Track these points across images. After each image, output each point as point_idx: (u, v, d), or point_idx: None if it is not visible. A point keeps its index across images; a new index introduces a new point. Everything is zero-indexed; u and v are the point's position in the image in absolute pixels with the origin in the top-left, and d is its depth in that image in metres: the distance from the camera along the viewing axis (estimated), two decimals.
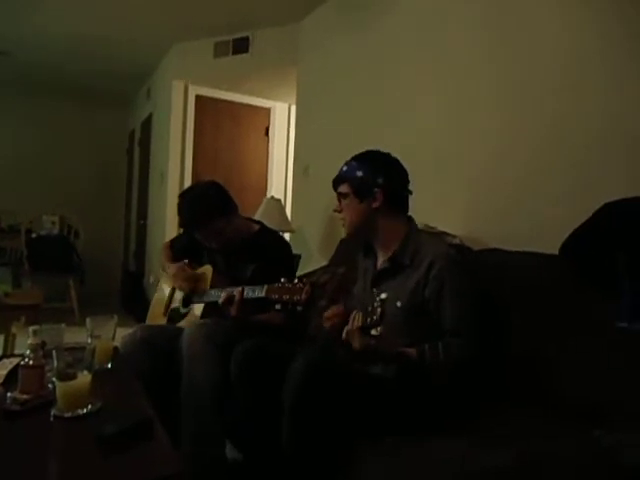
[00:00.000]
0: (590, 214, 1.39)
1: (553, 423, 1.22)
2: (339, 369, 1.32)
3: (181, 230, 2.50)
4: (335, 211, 1.57)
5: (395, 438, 1.21)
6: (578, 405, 1.25)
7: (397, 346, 1.34)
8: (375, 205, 1.47)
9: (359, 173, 1.48)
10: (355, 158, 1.53)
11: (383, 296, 1.22)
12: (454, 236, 1.93)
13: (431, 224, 2.01)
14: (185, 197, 1.96)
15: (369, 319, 1.23)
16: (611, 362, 1.26)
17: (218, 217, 1.87)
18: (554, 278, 1.47)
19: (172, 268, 1.99)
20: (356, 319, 1.28)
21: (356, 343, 1.28)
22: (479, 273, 1.57)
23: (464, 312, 1.36)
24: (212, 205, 1.88)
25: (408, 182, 1.54)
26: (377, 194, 1.46)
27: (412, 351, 1.32)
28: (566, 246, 1.40)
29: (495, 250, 1.73)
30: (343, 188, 1.52)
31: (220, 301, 1.73)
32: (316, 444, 1.25)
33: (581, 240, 1.38)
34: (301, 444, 1.26)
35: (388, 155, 1.54)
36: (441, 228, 2.00)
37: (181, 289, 1.97)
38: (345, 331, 1.31)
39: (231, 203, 1.94)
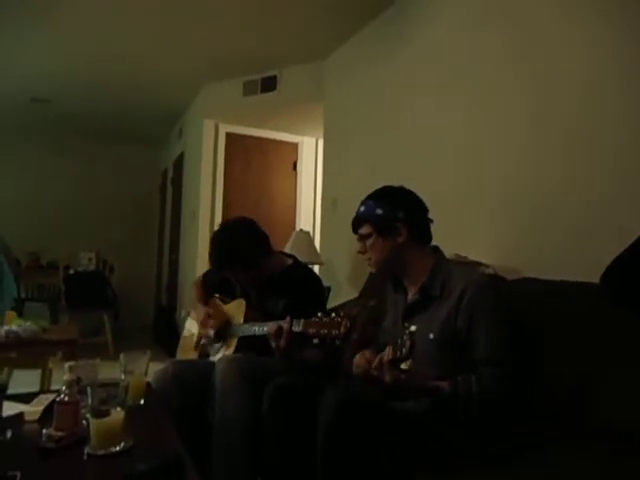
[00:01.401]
0: (626, 235, 1.34)
1: (594, 460, 1.13)
2: (370, 406, 1.28)
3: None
4: (360, 253, 1.54)
5: (429, 473, 1.16)
6: (619, 438, 1.17)
7: (428, 379, 1.30)
8: (400, 240, 1.45)
9: (379, 211, 1.46)
10: (370, 197, 1.52)
11: (412, 329, 1.20)
12: (487, 266, 1.89)
13: (462, 254, 1.98)
14: (216, 239, 1.94)
15: (398, 352, 1.21)
16: None
17: (248, 259, 1.87)
18: (593, 307, 1.41)
19: (201, 312, 2.01)
20: (386, 353, 1.26)
21: (386, 377, 1.25)
22: (515, 304, 1.52)
23: (497, 340, 1.32)
24: (241, 249, 1.86)
25: (427, 211, 1.51)
26: (400, 229, 1.44)
27: (444, 384, 1.29)
28: (608, 274, 1.34)
29: (530, 279, 1.67)
30: (365, 229, 1.49)
31: (270, 330, 1.67)
32: (348, 478, 1.21)
33: (624, 268, 1.32)
34: (334, 477, 1.22)
35: (402, 188, 1.52)
36: (472, 258, 1.96)
37: (207, 336, 1.98)
38: (374, 366, 1.28)
39: (262, 244, 1.91)
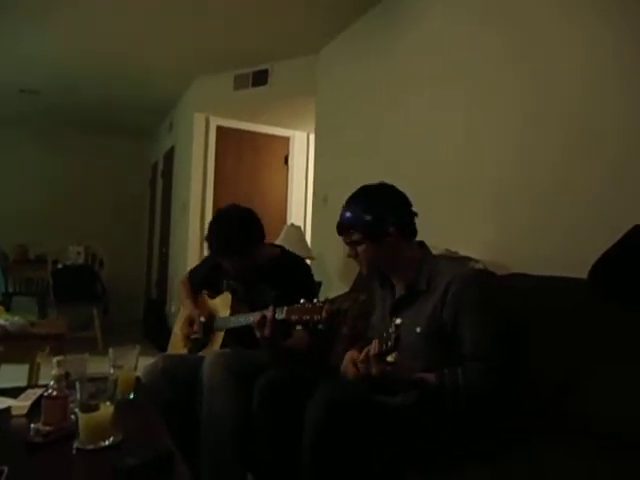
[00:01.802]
0: (619, 235, 1.35)
1: (582, 456, 1.15)
2: (358, 402, 1.29)
3: (201, 259, 2.50)
4: (350, 257, 1.52)
5: (419, 471, 1.17)
6: (606, 435, 1.18)
7: (414, 372, 1.31)
8: (390, 240, 1.44)
9: (367, 217, 1.42)
10: (355, 202, 1.48)
11: (398, 321, 1.20)
12: (477, 261, 1.90)
13: (452, 249, 1.99)
14: (218, 224, 1.90)
15: (384, 345, 1.22)
16: None
17: (251, 247, 1.85)
18: (581, 303, 1.42)
19: (186, 313, 2.00)
20: (373, 347, 1.26)
21: (373, 370, 1.25)
22: (504, 298, 1.54)
23: (483, 335, 1.33)
24: (246, 235, 1.84)
25: (411, 205, 1.50)
26: (391, 231, 1.43)
27: (431, 376, 1.30)
28: (595, 270, 1.36)
29: (520, 275, 1.69)
30: (355, 236, 1.46)
31: (254, 320, 1.67)
32: (336, 475, 1.22)
33: (611, 263, 1.34)
34: (321, 474, 1.23)
35: (383, 186, 1.50)
36: (463, 253, 1.97)
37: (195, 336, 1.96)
38: (360, 360, 1.29)
39: (262, 231, 1.91)
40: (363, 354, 1.28)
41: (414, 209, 1.50)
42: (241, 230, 1.84)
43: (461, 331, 1.33)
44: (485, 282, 1.40)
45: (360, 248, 1.47)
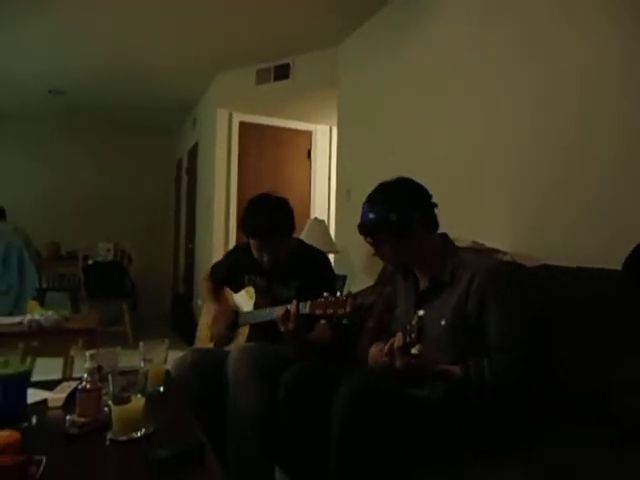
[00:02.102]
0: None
1: (610, 447, 1.12)
2: (385, 394, 1.29)
3: (223, 254, 2.51)
4: (375, 256, 1.51)
5: (444, 465, 1.17)
6: (636, 428, 1.15)
7: (439, 364, 1.30)
8: (416, 237, 1.42)
9: (392, 217, 1.39)
10: (376, 201, 1.44)
11: (420, 313, 1.20)
12: (505, 253, 1.87)
13: (479, 240, 1.95)
14: (260, 204, 1.89)
15: (408, 338, 1.21)
16: None
17: (288, 232, 1.88)
18: (614, 295, 1.38)
19: (209, 312, 2.02)
20: (397, 339, 1.26)
21: (397, 363, 1.25)
22: (534, 290, 1.51)
23: (509, 326, 1.31)
24: (287, 220, 1.87)
25: (431, 196, 1.47)
26: (416, 228, 1.41)
27: (456, 368, 1.29)
28: (630, 261, 1.32)
29: (549, 266, 1.65)
30: (381, 236, 1.43)
31: (277, 314, 1.67)
32: (363, 471, 1.22)
33: None
34: (348, 472, 1.23)
35: (402, 182, 1.47)
36: (490, 245, 1.94)
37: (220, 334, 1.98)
38: (385, 352, 1.29)
39: (294, 222, 1.92)
40: (387, 347, 1.28)
41: (433, 200, 1.47)
42: (282, 212, 1.86)
43: (486, 322, 1.32)
44: (511, 273, 1.38)
45: (386, 247, 1.45)
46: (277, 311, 1.69)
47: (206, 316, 2.11)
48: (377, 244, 1.47)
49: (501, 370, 1.26)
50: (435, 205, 1.47)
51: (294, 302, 1.65)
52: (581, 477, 1.04)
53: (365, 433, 1.22)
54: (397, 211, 1.39)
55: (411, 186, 1.46)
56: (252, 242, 1.88)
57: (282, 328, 1.67)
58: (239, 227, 4.44)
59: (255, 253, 1.91)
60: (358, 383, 1.28)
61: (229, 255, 2.27)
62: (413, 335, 1.20)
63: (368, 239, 1.48)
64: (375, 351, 1.50)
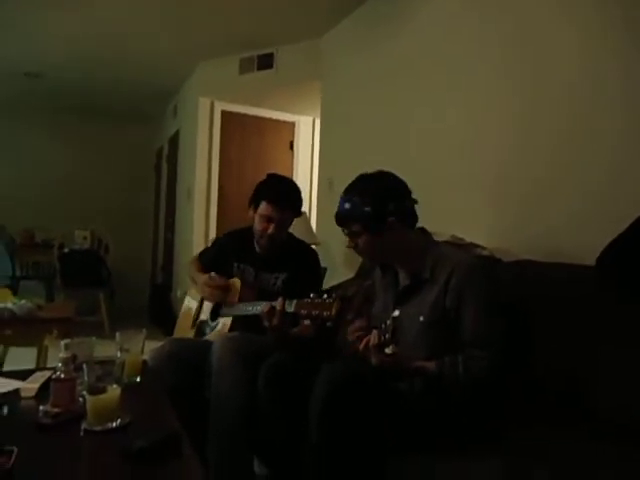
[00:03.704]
0: (621, 219, 1.34)
1: (591, 440, 1.16)
2: (364, 381, 1.30)
3: (207, 244, 2.51)
4: (350, 247, 1.50)
5: (423, 455, 1.18)
6: (613, 423, 1.19)
7: (414, 360, 1.33)
8: (392, 231, 1.42)
9: (367, 209, 1.39)
10: (353, 192, 1.44)
11: (395, 314, 1.23)
12: (483, 247, 1.89)
13: (459, 235, 1.97)
14: (285, 178, 2.04)
15: (382, 337, 1.24)
16: None
17: (298, 211, 1.96)
18: (589, 291, 1.42)
19: (202, 277, 1.98)
20: (372, 337, 1.28)
21: (373, 360, 1.29)
22: (509, 285, 1.53)
23: (485, 324, 1.33)
24: (301, 198, 1.96)
25: (411, 192, 1.47)
26: (391, 222, 1.40)
27: (431, 364, 1.31)
28: (603, 257, 1.35)
29: (527, 262, 1.68)
30: (355, 228, 1.43)
31: (263, 310, 1.67)
32: (341, 461, 1.23)
33: (619, 251, 1.33)
34: (326, 463, 1.24)
35: (382, 175, 1.46)
36: (469, 239, 1.96)
37: (210, 299, 1.96)
38: (361, 349, 1.31)
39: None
40: (363, 344, 1.30)
41: (414, 196, 1.47)
42: (299, 190, 1.97)
43: (463, 317, 1.34)
44: (488, 269, 1.40)
45: (360, 240, 1.44)
46: (263, 307, 1.69)
47: (189, 302, 2.10)
48: (352, 235, 1.46)
49: (475, 367, 1.28)
50: (415, 201, 1.47)
51: (280, 299, 1.64)
52: (561, 468, 1.06)
53: (342, 424, 1.23)
54: (372, 204, 1.39)
55: (390, 180, 1.46)
56: (264, 209, 1.87)
57: (266, 323, 1.67)
58: (220, 216, 4.42)
59: (260, 226, 1.89)
60: (336, 374, 1.29)
61: (218, 241, 2.29)
62: (387, 336, 1.22)
63: (344, 230, 1.48)
64: (353, 329, 1.47)
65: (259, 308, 1.71)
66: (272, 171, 2.13)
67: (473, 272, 1.38)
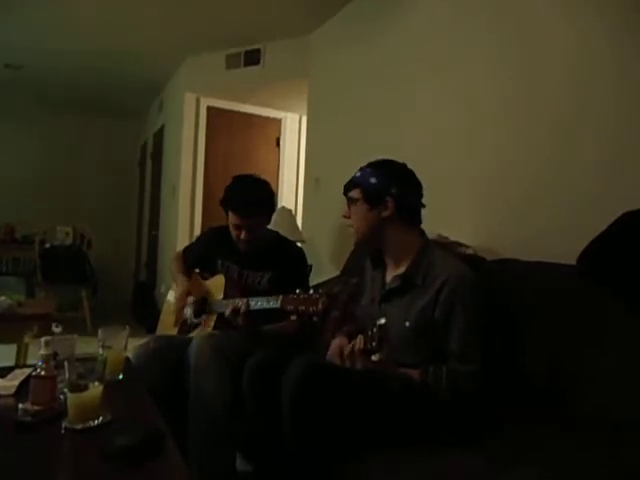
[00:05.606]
0: (608, 222, 1.36)
1: (571, 439, 1.17)
2: (336, 372, 1.32)
3: (192, 240, 2.49)
4: (344, 217, 1.55)
5: (402, 451, 1.19)
6: (597, 421, 1.21)
7: (399, 368, 1.33)
8: (385, 214, 1.45)
9: (372, 180, 1.47)
10: (371, 165, 1.52)
11: (382, 321, 1.22)
12: (467, 246, 1.91)
13: (444, 234, 1.99)
14: (247, 182, 1.94)
15: (369, 345, 1.24)
16: (633, 377, 1.21)
17: (268, 212, 1.92)
18: (571, 289, 1.44)
19: (179, 289, 1.99)
20: (358, 342, 1.28)
21: (357, 365, 1.29)
22: (494, 283, 1.54)
23: (471, 339, 1.33)
24: (270, 199, 1.93)
25: (422, 195, 1.51)
26: (388, 203, 1.44)
27: (415, 373, 1.32)
28: (583, 257, 1.37)
29: (510, 260, 1.70)
30: (354, 193, 1.50)
31: (227, 313, 1.72)
32: (316, 439, 1.23)
33: (599, 251, 1.35)
34: (302, 438, 1.24)
35: (404, 166, 1.52)
36: (454, 238, 1.97)
37: (179, 314, 1.97)
38: (346, 354, 1.32)
39: (275, 204, 2.00)
40: (349, 348, 1.30)
41: (424, 201, 1.52)
42: (266, 191, 1.92)
43: (451, 330, 1.34)
44: (479, 283, 1.40)
45: (354, 207, 1.50)
46: (229, 307, 1.72)
47: (173, 298, 2.08)
48: (350, 201, 1.52)
49: (459, 380, 1.29)
50: (422, 205, 1.51)
51: (244, 300, 1.70)
52: (546, 465, 1.07)
53: (317, 401, 1.22)
54: (378, 177, 1.46)
55: (409, 173, 1.52)
56: (232, 218, 1.88)
57: (233, 323, 1.71)
58: (205, 213, 4.38)
59: (232, 232, 1.90)
60: (312, 357, 1.31)
61: (203, 236, 2.27)
62: (374, 344, 1.22)
63: (349, 194, 1.53)
64: (336, 346, 1.51)
65: (229, 307, 1.73)
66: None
67: (465, 286, 1.37)
